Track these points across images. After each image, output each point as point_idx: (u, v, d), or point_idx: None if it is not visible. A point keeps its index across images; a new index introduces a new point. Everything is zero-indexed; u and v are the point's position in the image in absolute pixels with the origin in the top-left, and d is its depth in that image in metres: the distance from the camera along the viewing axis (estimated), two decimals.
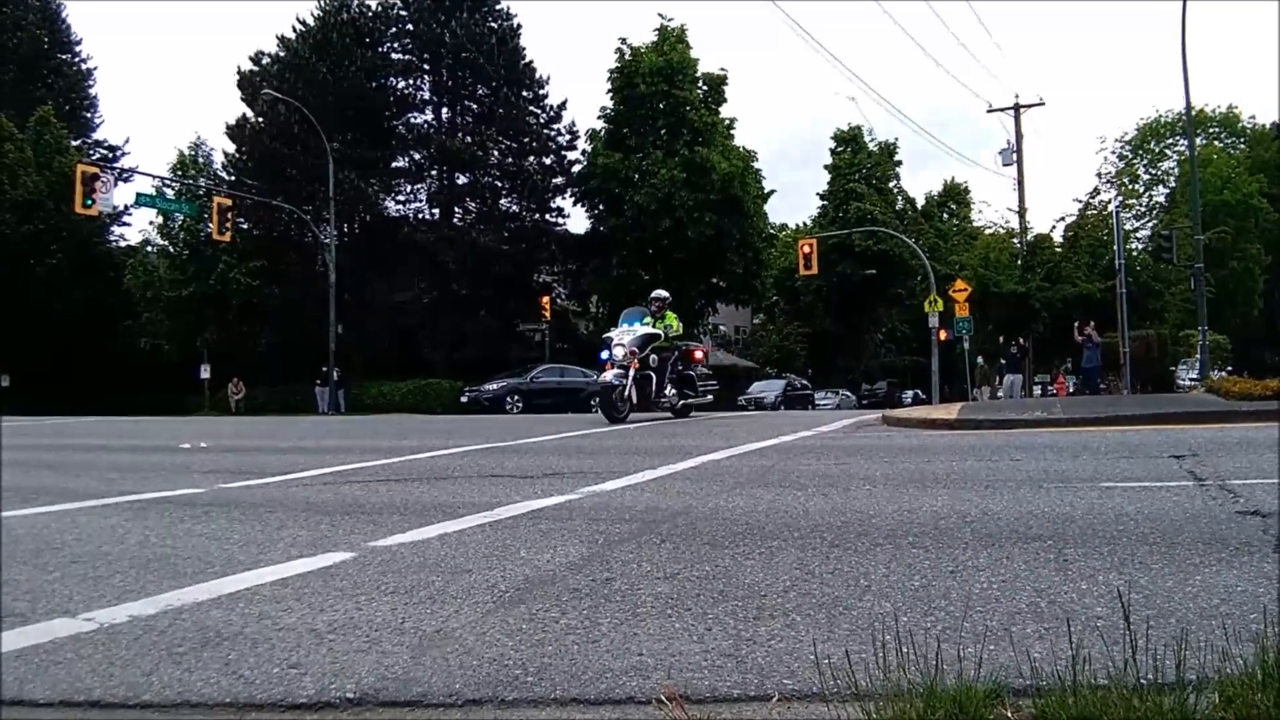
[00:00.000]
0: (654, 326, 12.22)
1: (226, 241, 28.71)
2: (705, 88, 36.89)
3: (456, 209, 36.66)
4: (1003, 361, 28.74)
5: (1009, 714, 1.65)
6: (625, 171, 34.91)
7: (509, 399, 25.68)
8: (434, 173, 36.74)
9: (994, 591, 2.57)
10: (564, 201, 37.71)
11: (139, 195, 29.38)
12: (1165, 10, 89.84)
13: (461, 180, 36.44)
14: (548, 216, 37.47)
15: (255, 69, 35.27)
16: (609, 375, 11.54)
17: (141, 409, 27.25)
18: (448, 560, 3.21)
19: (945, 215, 49.62)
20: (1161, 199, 50.01)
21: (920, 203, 47.84)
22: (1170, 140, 52.88)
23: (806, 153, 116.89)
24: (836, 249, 39.66)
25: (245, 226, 33.23)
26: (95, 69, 46.10)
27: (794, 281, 42.07)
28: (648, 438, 8.81)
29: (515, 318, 35.43)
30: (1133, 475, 4.87)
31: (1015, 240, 31.76)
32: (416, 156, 36.94)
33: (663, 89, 34.97)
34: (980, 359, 30.82)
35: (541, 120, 36.86)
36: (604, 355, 12.06)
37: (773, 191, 39.97)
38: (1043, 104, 47.23)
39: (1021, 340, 28.19)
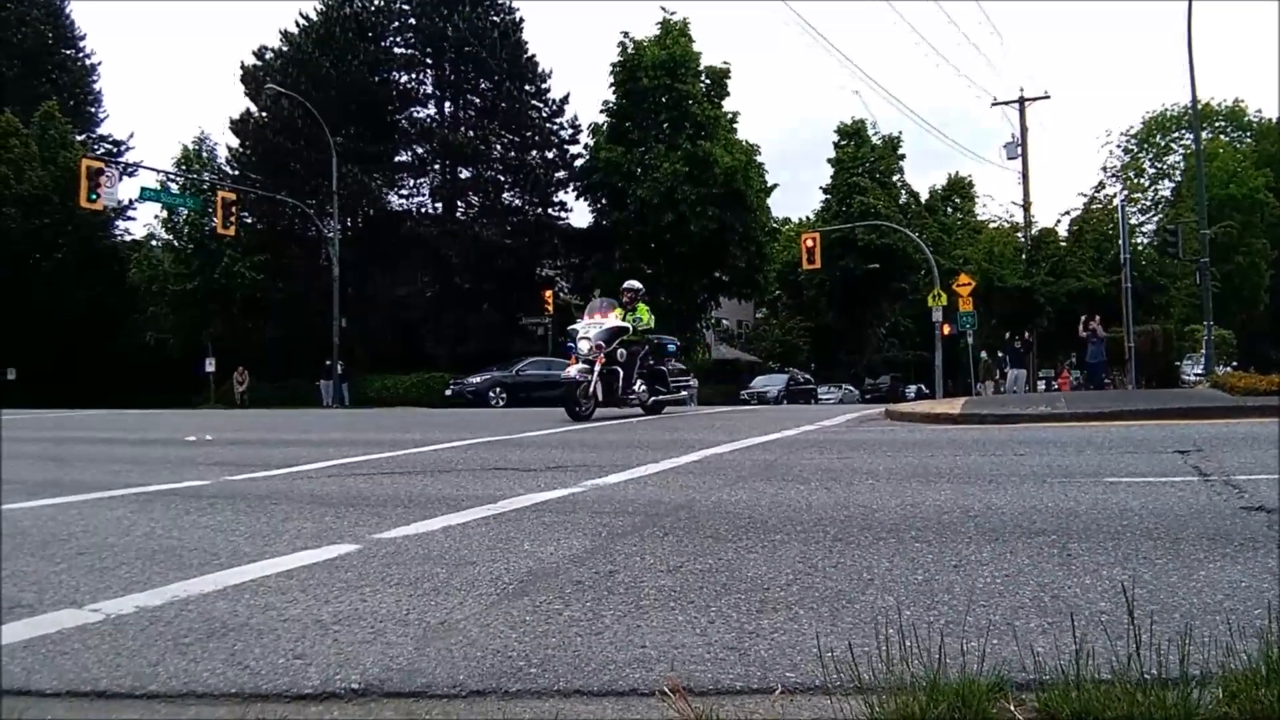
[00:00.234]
0: (624, 319, 11.50)
1: (230, 236, 28.76)
2: (708, 81, 36.83)
3: (459, 203, 36.66)
4: (1000, 354, 28.70)
5: (1012, 708, 1.65)
6: (628, 165, 34.88)
7: (492, 392, 25.65)
8: (437, 167, 36.73)
9: (997, 586, 2.57)
10: (566, 195, 37.79)
11: (143, 190, 29.39)
12: (1171, 4, 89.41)
13: (464, 174, 36.43)
14: (550, 210, 37.48)
15: (259, 64, 35.26)
16: (572, 370, 10.81)
17: (146, 404, 27.31)
18: (451, 552, 3.22)
19: (949, 209, 49.41)
20: (1167, 193, 49.75)
21: (924, 197, 47.67)
22: (1176, 134, 52.60)
23: (810, 148, 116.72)
24: (840, 243, 39.56)
25: (249, 221, 33.29)
26: (99, 64, 46.23)
27: (797, 276, 41.99)
28: (649, 432, 8.81)
29: (518, 312, 35.44)
30: (1137, 470, 4.86)
31: (1019, 234, 31.61)
32: (419, 151, 36.96)
33: (665, 82, 34.90)
34: (984, 354, 30.73)
35: (544, 114, 36.83)
36: (570, 347, 11.42)
37: (775, 186, 40.00)
38: (1048, 98, 46.95)
39: (1026, 335, 28.11)
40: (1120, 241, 24.53)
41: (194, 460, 7.16)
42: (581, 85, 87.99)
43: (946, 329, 28.62)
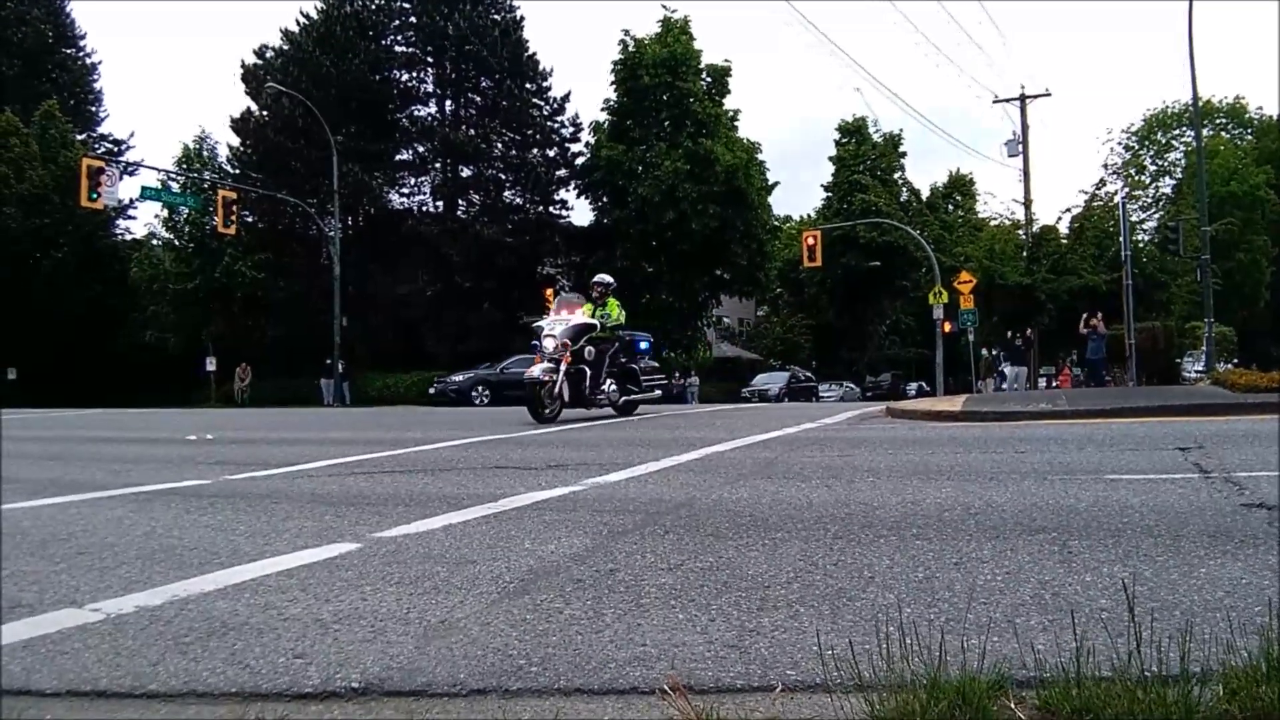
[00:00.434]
0: (593, 315, 10.85)
1: (231, 235, 28.77)
2: (709, 79, 36.77)
3: (460, 201, 36.66)
4: (996, 352, 28.67)
5: (1012, 705, 1.64)
6: (629, 163, 34.84)
7: (475, 390, 25.59)
8: (438, 165, 36.73)
9: (998, 583, 2.57)
10: (568, 194, 37.77)
11: (144, 189, 29.44)
12: (1171, 3, 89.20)
13: (465, 173, 36.43)
14: (551, 209, 37.46)
15: (259, 63, 35.28)
16: (535, 370, 10.01)
17: (146, 404, 27.33)
18: (452, 551, 3.22)
19: (950, 207, 49.33)
20: (1168, 190, 49.67)
21: (925, 194, 47.61)
22: (1177, 131, 52.49)
23: (811, 146, 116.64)
24: (841, 241, 39.52)
25: (250, 220, 33.31)
26: (100, 63, 46.25)
27: (798, 273, 41.96)
28: (649, 430, 8.81)
29: (519, 310, 35.41)
30: (1138, 467, 4.86)
31: (1021, 232, 31.58)
32: (420, 149, 36.97)
33: (666, 80, 34.86)
34: (985, 351, 30.73)
35: (545, 112, 36.82)
36: (535, 345, 10.83)
37: (777, 183, 40.00)
38: (1049, 95, 47.10)
39: (1027, 332, 28.09)
40: (1121, 239, 24.51)
41: (194, 459, 7.16)
42: (582, 83, 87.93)
43: (947, 326, 28.60)
